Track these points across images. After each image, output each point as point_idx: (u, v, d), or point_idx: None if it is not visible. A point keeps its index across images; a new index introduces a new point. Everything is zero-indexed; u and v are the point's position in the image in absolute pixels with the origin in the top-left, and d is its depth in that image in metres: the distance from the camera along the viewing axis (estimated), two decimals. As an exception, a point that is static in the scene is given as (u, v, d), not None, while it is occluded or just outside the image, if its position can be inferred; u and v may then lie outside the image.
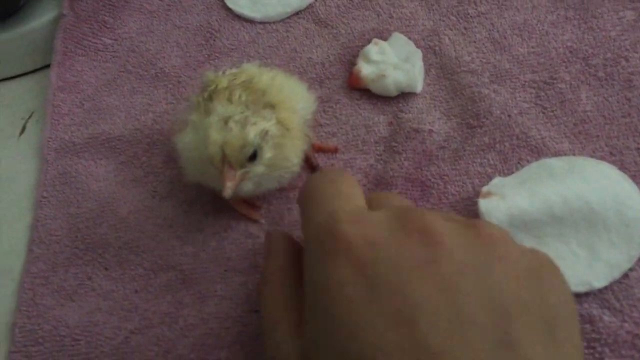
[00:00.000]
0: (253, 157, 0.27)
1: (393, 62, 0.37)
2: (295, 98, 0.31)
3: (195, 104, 0.31)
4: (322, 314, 0.20)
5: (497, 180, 0.30)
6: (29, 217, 0.36)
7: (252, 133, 0.27)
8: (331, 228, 0.21)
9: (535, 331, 0.18)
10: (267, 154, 0.28)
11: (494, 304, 0.18)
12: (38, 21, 0.42)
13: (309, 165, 0.34)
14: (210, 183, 0.31)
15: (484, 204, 0.29)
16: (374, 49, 0.37)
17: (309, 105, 0.33)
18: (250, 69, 0.33)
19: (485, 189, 0.30)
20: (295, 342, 0.22)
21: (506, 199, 0.28)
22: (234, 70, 0.33)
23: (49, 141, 0.39)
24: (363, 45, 0.39)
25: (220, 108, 0.29)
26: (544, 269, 0.20)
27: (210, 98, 0.30)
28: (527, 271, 0.20)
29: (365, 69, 0.37)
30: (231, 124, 0.27)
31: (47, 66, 0.44)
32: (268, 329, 0.23)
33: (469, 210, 0.31)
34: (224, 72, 0.33)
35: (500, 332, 0.18)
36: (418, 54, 0.37)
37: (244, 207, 0.33)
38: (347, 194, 0.24)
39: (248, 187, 0.29)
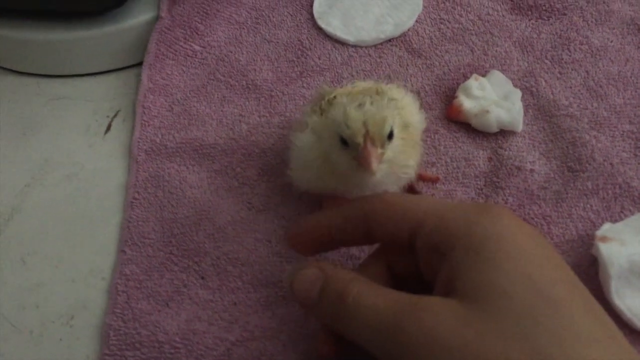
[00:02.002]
0: (390, 136, 0.27)
1: (493, 99, 0.37)
2: (414, 110, 0.32)
3: (311, 112, 0.31)
4: (512, 261, 0.21)
5: (607, 226, 0.31)
6: (117, 217, 0.36)
7: (390, 110, 0.27)
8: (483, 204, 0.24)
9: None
10: (397, 140, 0.28)
11: None
12: (134, 20, 0.42)
13: (412, 192, 0.34)
14: (320, 187, 0.31)
15: (604, 249, 0.29)
16: (475, 84, 0.38)
17: (421, 122, 0.33)
18: (367, 83, 0.33)
19: (599, 233, 0.30)
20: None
21: (627, 245, 0.29)
22: (349, 85, 0.33)
23: (138, 142, 0.38)
24: (458, 79, 0.40)
25: (343, 99, 0.29)
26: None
27: (330, 103, 0.30)
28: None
29: (467, 103, 0.37)
30: (368, 105, 0.27)
31: (132, 66, 0.44)
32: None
33: (576, 252, 0.31)
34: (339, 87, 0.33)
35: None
36: (517, 94, 0.38)
37: None
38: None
39: (370, 182, 0.29)
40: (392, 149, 0.27)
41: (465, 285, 0.21)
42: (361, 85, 0.33)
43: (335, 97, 0.31)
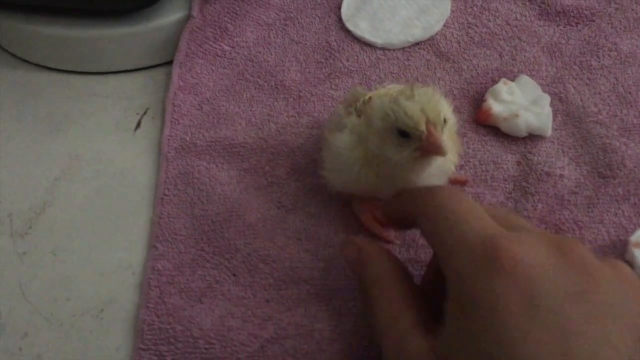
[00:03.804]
0: (444, 121, 0.27)
1: (522, 103, 0.37)
2: (448, 110, 0.32)
3: (346, 113, 0.32)
4: (475, 321, 0.21)
5: (641, 232, 0.31)
6: (146, 212, 0.36)
7: (439, 96, 0.27)
8: (494, 245, 0.22)
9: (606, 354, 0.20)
10: (447, 126, 0.28)
11: (637, 338, 0.20)
12: (165, 19, 0.42)
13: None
14: (358, 187, 0.31)
15: (639, 254, 0.29)
16: (504, 88, 0.38)
17: (455, 122, 0.33)
18: (399, 86, 0.33)
19: (634, 239, 0.30)
20: (421, 338, 0.23)
21: (661, 252, 0.29)
22: (382, 87, 0.34)
23: (168, 139, 0.39)
24: (487, 83, 0.40)
25: (382, 98, 0.29)
26: (622, 288, 0.22)
27: (366, 103, 0.31)
28: (600, 298, 0.21)
29: (496, 107, 0.37)
30: (417, 95, 0.27)
31: (162, 64, 0.44)
32: (387, 325, 0.24)
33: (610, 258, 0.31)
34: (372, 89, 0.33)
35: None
36: (546, 99, 0.38)
37: (376, 226, 0.33)
38: (487, 218, 0.25)
39: (418, 177, 0.29)
40: (446, 134, 0.27)
41: (442, 339, 0.22)
42: (395, 87, 0.33)
43: (370, 98, 0.31)
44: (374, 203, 0.33)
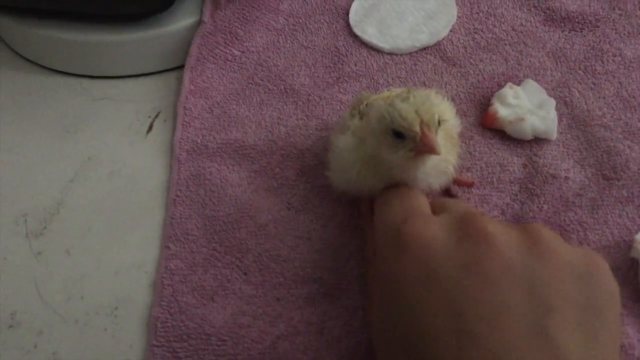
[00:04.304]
0: (439, 122, 0.28)
1: (528, 107, 0.38)
2: (450, 113, 0.32)
3: (350, 116, 0.32)
4: (386, 300, 0.23)
5: (646, 232, 0.31)
6: (158, 213, 0.37)
7: (433, 98, 0.28)
8: (399, 226, 0.24)
9: (572, 326, 0.20)
10: (440, 128, 0.28)
11: (535, 298, 0.21)
12: (177, 25, 0.43)
13: (448, 195, 0.35)
14: (359, 187, 0.31)
15: (644, 253, 0.30)
16: (510, 93, 0.39)
17: (458, 124, 0.33)
18: (402, 90, 0.34)
19: (639, 236, 0.31)
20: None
21: (666, 251, 0.29)
22: (386, 91, 0.34)
23: (180, 142, 0.39)
24: (493, 88, 0.41)
25: (379, 101, 0.30)
26: (592, 267, 0.23)
27: (369, 107, 0.31)
28: (574, 271, 0.22)
29: (502, 111, 0.38)
30: (412, 98, 0.27)
31: (173, 69, 0.45)
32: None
33: (614, 257, 0.32)
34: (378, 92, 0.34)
35: (534, 321, 0.20)
36: (551, 103, 0.38)
37: None
38: (418, 205, 0.27)
39: (414, 176, 0.30)
40: (440, 136, 0.28)
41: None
42: (399, 91, 0.34)
43: (374, 100, 0.32)
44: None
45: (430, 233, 0.23)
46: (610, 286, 0.23)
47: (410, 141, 0.27)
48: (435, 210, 0.28)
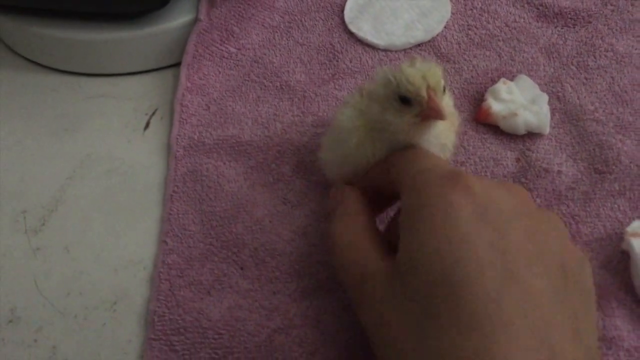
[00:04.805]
0: (444, 89, 0.28)
1: (521, 102, 0.38)
2: (450, 103, 0.32)
3: (349, 99, 0.32)
4: (432, 232, 0.23)
5: (637, 223, 0.32)
6: (156, 209, 0.37)
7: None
8: (455, 174, 0.25)
9: (536, 270, 0.22)
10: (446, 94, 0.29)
11: (558, 262, 0.23)
12: (173, 22, 0.44)
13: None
14: (354, 161, 0.31)
15: (636, 244, 0.30)
16: (503, 88, 0.39)
17: (458, 115, 0.33)
18: None
19: (630, 229, 0.31)
20: (379, 259, 0.25)
21: (656, 242, 0.30)
22: None
23: (177, 138, 0.40)
24: (486, 83, 0.41)
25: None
26: (551, 226, 0.25)
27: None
28: (562, 261, 0.24)
29: (495, 106, 0.38)
30: (418, 64, 0.28)
31: (170, 66, 0.45)
32: (347, 253, 0.27)
33: (605, 250, 0.32)
34: None
35: (560, 283, 0.23)
36: (544, 98, 0.39)
37: None
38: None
39: (417, 143, 0.30)
40: (445, 102, 0.28)
41: (399, 254, 0.24)
42: None
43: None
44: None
45: (483, 182, 0.25)
46: (589, 282, 0.25)
47: (417, 106, 0.27)
48: None
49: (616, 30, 0.43)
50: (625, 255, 0.31)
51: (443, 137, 0.30)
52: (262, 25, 0.46)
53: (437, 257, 0.22)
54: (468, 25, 0.45)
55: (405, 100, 0.27)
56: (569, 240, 0.25)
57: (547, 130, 0.38)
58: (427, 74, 0.27)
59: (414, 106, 0.27)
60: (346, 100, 0.32)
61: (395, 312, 0.23)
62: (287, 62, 0.44)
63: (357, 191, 0.30)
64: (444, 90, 0.28)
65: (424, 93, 0.27)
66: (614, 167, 0.36)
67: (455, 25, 0.45)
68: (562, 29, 0.44)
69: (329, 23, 0.46)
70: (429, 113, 0.27)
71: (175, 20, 0.44)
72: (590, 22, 0.44)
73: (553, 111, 0.39)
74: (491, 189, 0.25)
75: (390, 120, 0.28)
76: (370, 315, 0.24)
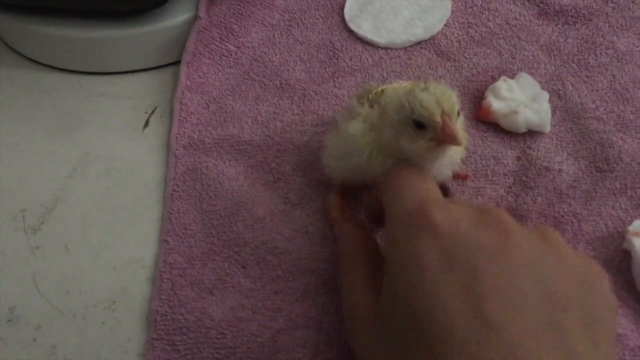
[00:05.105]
0: (458, 112, 0.28)
1: (522, 100, 0.38)
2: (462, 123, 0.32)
3: (358, 105, 0.32)
4: (402, 280, 0.23)
5: (639, 222, 0.32)
6: (156, 208, 0.37)
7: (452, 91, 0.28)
8: (422, 210, 0.24)
9: (578, 324, 0.21)
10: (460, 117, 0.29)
11: (548, 293, 0.21)
12: (173, 20, 0.43)
13: (441, 187, 0.35)
14: (364, 173, 0.31)
15: (638, 243, 0.30)
16: (504, 86, 0.39)
17: (462, 121, 0.33)
18: (410, 83, 0.34)
19: (632, 228, 0.31)
20: (371, 300, 0.26)
21: (659, 241, 0.30)
22: (393, 83, 0.34)
23: (177, 137, 0.40)
24: (487, 81, 0.41)
25: (398, 91, 0.29)
26: (595, 278, 0.23)
27: (378, 95, 0.31)
28: (580, 275, 0.23)
29: (496, 104, 0.38)
30: (431, 88, 0.27)
31: (169, 64, 0.45)
32: (346, 292, 0.28)
33: (607, 249, 0.32)
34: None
35: (549, 315, 0.21)
36: (545, 96, 0.39)
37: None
38: (431, 189, 0.27)
39: (430, 166, 0.30)
40: (459, 126, 0.28)
41: (382, 294, 0.25)
42: (405, 83, 0.34)
43: (382, 90, 0.32)
44: (345, 200, 0.35)
45: (452, 217, 0.24)
46: (609, 298, 0.23)
47: (431, 131, 0.27)
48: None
49: (617, 27, 0.43)
50: (627, 255, 0.31)
51: (455, 156, 0.30)
52: (262, 24, 0.46)
53: (408, 307, 0.22)
54: (468, 23, 0.44)
55: (419, 125, 0.27)
56: (572, 256, 0.24)
57: (547, 128, 0.38)
58: (442, 99, 0.27)
59: (429, 131, 0.27)
60: (353, 108, 0.32)
61: (379, 348, 0.24)
62: (287, 61, 0.44)
63: (355, 228, 0.31)
64: (458, 114, 0.28)
65: (438, 118, 0.26)
66: (615, 165, 0.36)
67: (456, 23, 0.45)
68: (562, 26, 0.44)
69: (329, 21, 0.46)
70: (444, 138, 0.27)
71: (175, 18, 0.44)
72: (591, 20, 0.44)
73: (554, 109, 0.39)
74: (461, 223, 0.24)
75: (405, 145, 0.28)
76: (357, 345, 0.26)
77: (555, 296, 0.21)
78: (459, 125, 0.28)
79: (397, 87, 0.32)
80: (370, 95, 0.32)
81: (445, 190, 0.36)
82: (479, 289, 0.21)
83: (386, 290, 0.24)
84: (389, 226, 0.26)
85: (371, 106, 0.31)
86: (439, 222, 0.23)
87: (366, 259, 0.29)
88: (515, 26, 0.44)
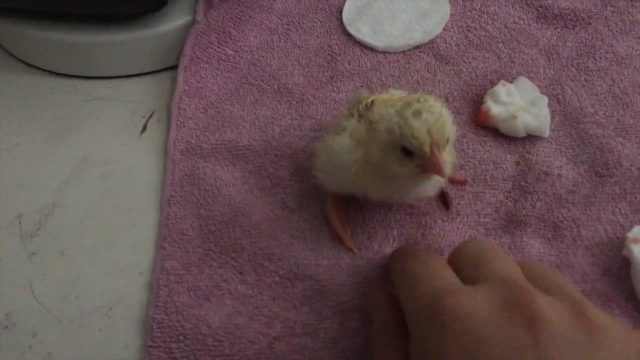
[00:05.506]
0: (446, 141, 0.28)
1: (521, 104, 0.38)
2: (448, 121, 0.32)
3: (347, 115, 0.32)
4: None
5: (638, 229, 0.31)
6: (153, 213, 0.37)
7: (444, 114, 0.27)
8: (438, 302, 0.22)
9: None
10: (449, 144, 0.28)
11: None
12: (170, 24, 0.43)
13: (440, 193, 0.35)
14: (353, 188, 0.31)
15: (637, 250, 0.30)
16: (503, 90, 0.39)
17: (454, 132, 0.33)
18: (402, 92, 0.34)
19: (631, 235, 0.31)
20: None
21: (657, 248, 0.30)
22: (385, 92, 0.34)
23: (175, 142, 0.39)
24: (486, 85, 0.41)
25: (389, 109, 0.29)
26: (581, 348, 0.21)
27: (367, 108, 0.31)
28: (628, 356, 0.20)
29: (495, 109, 0.38)
30: (425, 113, 0.27)
31: (167, 68, 0.45)
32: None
33: (606, 255, 0.32)
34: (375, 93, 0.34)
35: None
36: (544, 100, 0.39)
37: (342, 230, 0.34)
38: (447, 276, 0.25)
39: (420, 188, 0.30)
40: (447, 152, 0.28)
41: None
42: (397, 93, 0.33)
43: (372, 102, 0.31)
44: (344, 207, 0.34)
45: (472, 309, 0.22)
46: None
47: (419, 159, 0.27)
48: (466, 262, 0.26)
49: (616, 31, 0.43)
50: (626, 261, 0.31)
51: (447, 157, 0.30)
52: (260, 28, 0.46)
53: None
54: (467, 27, 0.44)
55: (407, 151, 0.27)
56: (616, 337, 0.21)
57: (547, 132, 0.37)
58: (432, 128, 0.26)
59: (416, 158, 0.27)
60: (339, 122, 0.32)
61: None
62: (285, 65, 0.44)
63: (387, 299, 0.29)
64: (447, 141, 0.27)
65: (427, 148, 0.26)
66: (614, 170, 0.35)
67: (455, 27, 0.44)
68: (561, 30, 0.43)
69: (327, 25, 0.46)
70: (430, 169, 0.27)
71: (173, 23, 0.44)
72: (590, 24, 0.43)
73: (553, 113, 0.39)
74: (481, 311, 0.22)
75: (391, 168, 0.28)
76: None
77: None
78: (447, 152, 0.28)
79: (388, 98, 0.31)
80: (360, 106, 0.31)
81: (444, 196, 0.35)
82: None
83: None
84: (408, 320, 0.25)
85: (360, 116, 0.30)
86: (456, 313, 0.22)
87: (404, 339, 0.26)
88: (514, 30, 0.44)
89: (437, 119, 0.27)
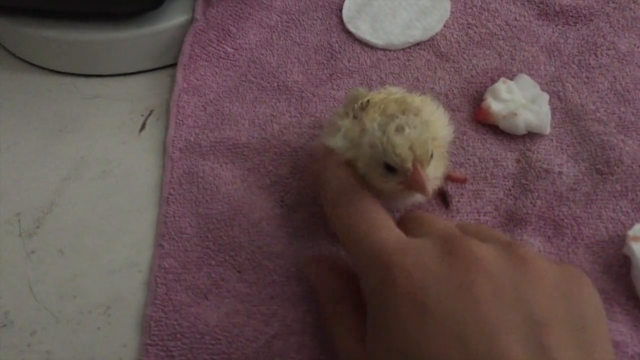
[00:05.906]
0: (430, 156, 0.27)
1: (521, 102, 0.38)
2: (442, 122, 0.32)
3: (342, 114, 0.32)
4: (379, 335, 0.23)
5: (639, 227, 0.31)
6: (152, 212, 0.37)
7: (427, 129, 0.27)
8: (383, 260, 0.24)
9: (566, 338, 0.21)
10: (434, 158, 0.28)
11: (528, 315, 0.21)
12: (169, 22, 0.43)
13: (440, 191, 0.35)
14: None
15: (637, 248, 0.29)
16: (503, 87, 0.38)
17: (450, 133, 0.33)
18: (400, 91, 0.33)
19: (632, 233, 0.31)
20: (361, 349, 0.25)
21: (658, 245, 0.29)
22: (382, 90, 0.34)
23: (173, 140, 0.39)
24: (486, 82, 0.40)
25: (378, 118, 0.29)
26: (574, 283, 0.23)
27: (362, 108, 0.31)
28: (558, 285, 0.23)
29: (495, 106, 0.38)
30: (407, 129, 0.26)
31: (166, 66, 0.45)
32: (337, 342, 0.27)
33: (607, 253, 0.32)
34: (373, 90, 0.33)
35: (533, 339, 0.20)
36: (545, 97, 0.38)
37: None
38: (385, 225, 0.26)
39: (394, 200, 0.30)
40: (431, 166, 0.28)
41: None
42: (395, 90, 0.33)
43: (368, 101, 0.31)
44: None
45: (416, 262, 0.23)
46: (593, 300, 0.23)
47: (401, 175, 0.27)
48: (410, 225, 0.27)
49: (618, 28, 0.42)
50: (627, 260, 0.31)
51: (432, 171, 0.29)
52: (260, 25, 0.46)
53: (389, 354, 0.22)
54: (468, 24, 0.44)
55: (390, 168, 0.27)
56: (546, 268, 0.23)
57: (547, 130, 0.37)
58: (415, 144, 0.26)
59: (399, 174, 0.27)
60: (334, 122, 0.31)
61: None
62: (284, 62, 0.43)
63: (331, 271, 0.30)
64: (432, 156, 0.27)
65: (409, 165, 0.26)
66: (615, 167, 0.35)
67: (455, 24, 0.44)
68: (563, 27, 0.43)
69: (327, 22, 0.46)
70: (412, 185, 0.26)
71: (171, 20, 0.43)
72: (591, 20, 0.43)
73: (554, 111, 0.38)
74: (425, 260, 0.23)
75: (374, 182, 0.28)
76: None
77: (535, 316, 0.21)
78: (432, 165, 0.28)
79: (384, 97, 0.31)
80: (355, 106, 0.31)
81: (444, 194, 0.35)
82: (457, 328, 0.21)
83: (371, 344, 0.24)
84: (361, 280, 0.25)
85: (355, 117, 0.30)
86: (407, 271, 0.23)
87: (349, 301, 0.28)
88: (515, 27, 0.43)
89: (420, 133, 0.26)
